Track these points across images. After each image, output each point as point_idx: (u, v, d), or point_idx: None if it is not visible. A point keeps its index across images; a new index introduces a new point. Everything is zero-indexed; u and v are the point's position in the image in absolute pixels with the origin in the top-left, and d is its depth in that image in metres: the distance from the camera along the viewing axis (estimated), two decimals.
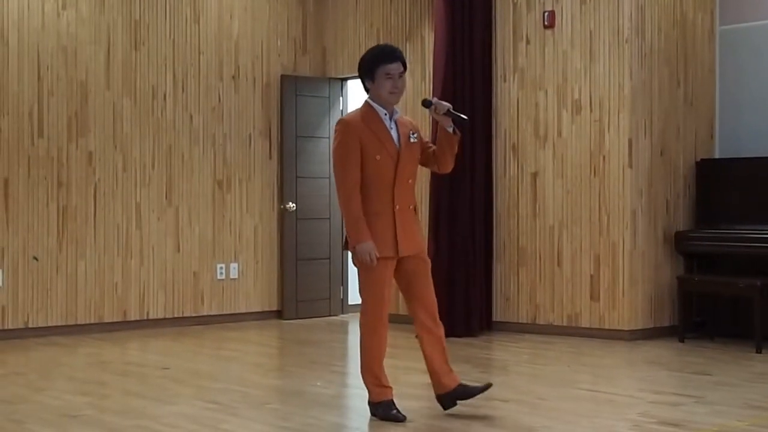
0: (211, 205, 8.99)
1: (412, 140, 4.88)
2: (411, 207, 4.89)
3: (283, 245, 9.33)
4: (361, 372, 4.92)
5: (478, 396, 4.97)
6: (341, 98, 9.66)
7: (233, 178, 9.12)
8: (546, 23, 8.02)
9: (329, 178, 9.53)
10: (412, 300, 4.95)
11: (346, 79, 9.65)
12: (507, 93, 8.27)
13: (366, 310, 4.87)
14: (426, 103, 4.86)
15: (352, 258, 4.85)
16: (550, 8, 8.01)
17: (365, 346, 4.87)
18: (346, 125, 4.83)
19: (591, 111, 7.76)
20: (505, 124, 8.29)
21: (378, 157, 4.77)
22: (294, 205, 9.33)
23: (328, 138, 9.55)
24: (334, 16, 9.63)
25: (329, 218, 9.55)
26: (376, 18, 9.24)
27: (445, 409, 4.99)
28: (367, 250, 4.74)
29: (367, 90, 4.88)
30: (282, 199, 9.35)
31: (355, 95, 9.75)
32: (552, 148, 7.98)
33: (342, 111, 9.64)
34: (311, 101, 9.46)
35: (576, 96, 7.84)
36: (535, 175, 8.09)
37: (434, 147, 5.00)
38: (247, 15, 9.28)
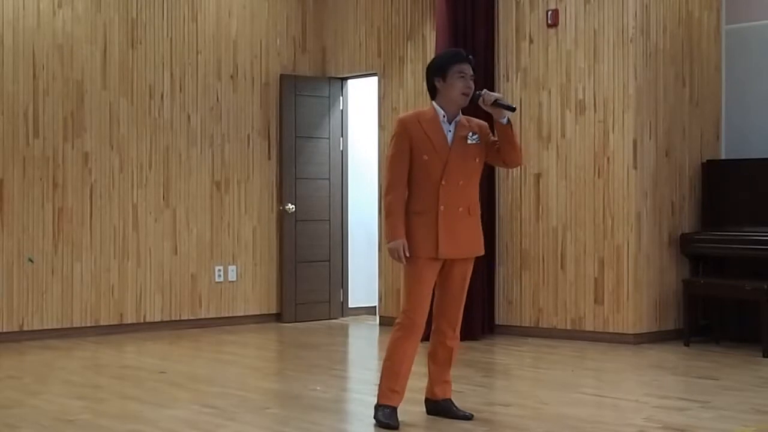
0: (209, 206, 9.00)
1: (470, 141, 4.88)
2: (461, 208, 4.87)
3: (282, 247, 9.34)
4: (382, 372, 4.92)
5: (460, 417, 4.99)
6: (341, 98, 9.66)
7: (231, 179, 9.13)
8: (549, 22, 8.02)
9: (329, 179, 9.54)
10: (440, 304, 4.97)
11: (346, 78, 9.65)
12: (510, 93, 8.27)
13: (404, 309, 4.89)
14: (475, 96, 4.88)
15: (390, 251, 4.86)
16: (553, 7, 8.01)
17: (393, 348, 4.87)
18: (400, 124, 4.92)
19: (595, 111, 7.76)
20: None
21: (425, 157, 4.81)
22: (293, 206, 9.33)
23: (328, 138, 9.56)
24: (334, 14, 9.63)
25: (329, 220, 9.55)
26: (376, 17, 9.24)
27: (427, 413, 5.06)
28: (395, 247, 4.78)
29: (433, 91, 4.91)
30: (281, 201, 9.35)
31: (356, 95, 9.76)
32: (555, 148, 7.99)
33: (342, 111, 9.65)
34: (311, 101, 9.47)
35: (580, 96, 7.84)
36: (538, 177, 8.09)
37: (498, 143, 5.00)
38: (245, 13, 9.29)
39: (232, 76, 9.16)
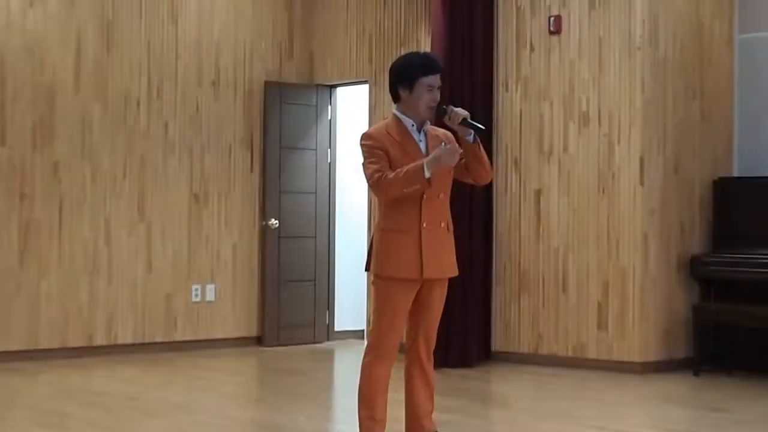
0: (186, 220, 8.95)
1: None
2: (442, 224, 4.83)
3: (265, 266, 9.29)
4: (357, 401, 4.87)
5: None
6: (329, 107, 9.64)
7: (211, 191, 9.09)
8: (552, 29, 8.02)
9: (315, 193, 9.52)
10: (415, 327, 4.91)
11: (335, 86, 9.63)
12: (509, 104, 8.26)
13: (375, 334, 4.82)
14: (440, 111, 4.82)
15: (441, 158, 4.59)
16: (556, 13, 8.01)
17: (365, 374, 4.82)
18: (369, 137, 4.83)
19: (600, 124, 7.75)
20: (507, 138, 8.27)
21: None
22: (277, 222, 9.29)
23: (315, 150, 9.53)
24: (323, 18, 9.62)
25: (315, 237, 9.51)
26: (368, 21, 9.23)
27: None
28: (438, 156, 4.57)
29: (396, 98, 4.86)
30: (264, 216, 9.31)
31: (345, 103, 9.74)
32: (557, 163, 7.97)
33: (330, 120, 9.62)
34: (297, 110, 9.45)
35: (584, 108, 7.83)
36: (538, 193, 8.07)
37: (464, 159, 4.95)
38: (228, 16, 9.27)
39: (213, 83, 9.13)
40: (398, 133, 4.78)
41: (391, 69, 4.89)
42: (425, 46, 8.63)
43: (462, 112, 4.74)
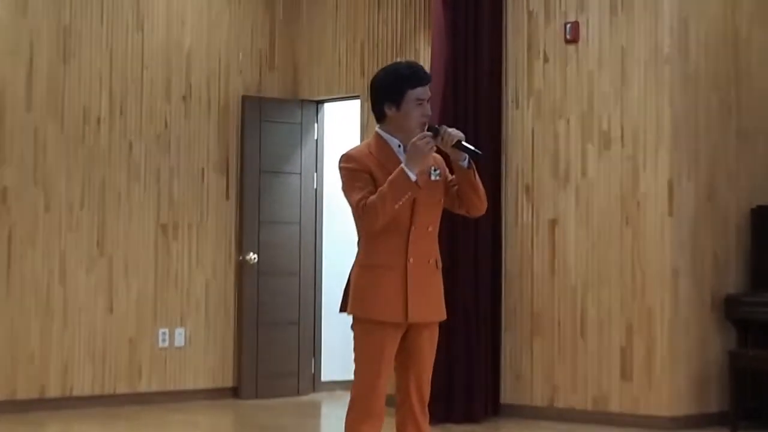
0: (152, 255, 8.98)
1: (433, 177, 4.80)
2: (430, 261, 4.81)
3: (242, 306, 9.31)
4: None
5: None
6: (316, 125, 9.69)
7: (181, 222, 9.13)
8: (568, 37, 8.07)
9: (300, 223, 9.54)
10: (405, 378, 4.89)
11: (322, 101, 9.68)
12: (520, 122, 8.30)
13: (357, 387, 4.83)
14: (433, 132, 4.85)
15: (415, 150, 4.63)
16: (573, 19, 8.07)
17: None
18: (350, 159, 4.81)
19: (623, 146, 7.79)
20: (517, 160, 8.31)
21: None
22: (256, 256, 9.32)
23: (300, 174, 9.57)
24: (309, 25, 9.68)
25: (299, 273, 9.54)
26: (360, 28, 9.29)
27: None
28: (414, 154, 4.60)
29: (380, 117, 4.88)
30: (241, 250, 9.35)
31: (333, 121, 9.79)
32: (575, 190, 8.01)
33: (317, 140, 9.67)
34: (279, 128, 9.49)
35: (604, 127, 7.88)
36: (553, 224, 8.10)
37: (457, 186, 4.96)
38: (202, 22, 9.33)
39: (184, 97, 9.19)
40: (383, 155, 4.77)
41: (372, 85, 4.88)
42: (425, 57, 8.68)
43: (456, 133, 4.73)
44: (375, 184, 4.71)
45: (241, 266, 9.34)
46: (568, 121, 8.07)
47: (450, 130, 4.74)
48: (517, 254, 8.27)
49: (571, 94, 8.06)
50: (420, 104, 4.78)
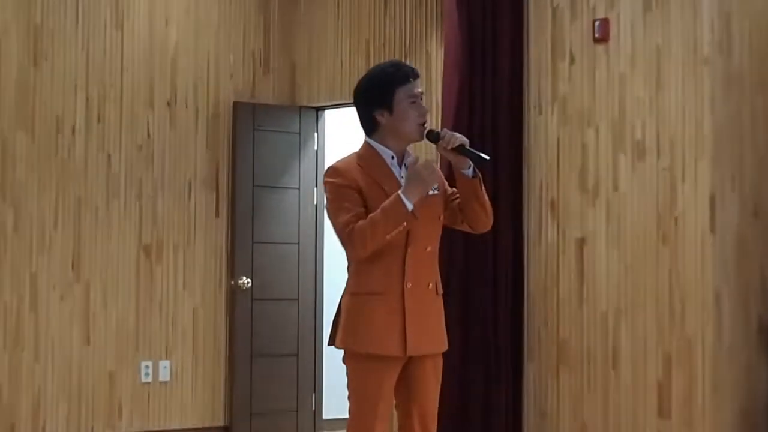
0: (134, 280, 8.98)
1: (430, 192, 4.83)
2: (430, 285, 4.82)
3: (234, 336, 9.31)
4: None
5: None
6: (316, 134, 9.70)
7: (166, 242, 9.13)
8: (597, 36, 8.07)
9: (298, 243, 9.54)
10: (408, 415, 4.88)
11: (323, 108, 9.69)
12: (543, 130, 8.29)
13: (353, 427, 4.82)
14: (432, 137, 4.83)
15: (416, 177, 4.67)
16: (602, 15, 8.05)
17: None
18: (336, 173, 4.82)
19: (658, 156, 7.78)
20: (541, 173, 8.30)
21: None
22: (249, 281, 9.32)
23: (298, 189, 9.57)
24: (308, 23, 9.69)
25: (297, 299, 9.54)
26: (364, 27, 9.30)
27: None
28: (413, 182, 4.62)
29: (371, 128, 4.86)
30: (233, 273, 9.35)
31: (335, 130, 9.79)
32: (605, 206, 7.99)
33: (317, 151, 9.67)
34: (275, 138, 9.50)
35: (638, 135, 7.87)
36: (581, 243, 8.09)
37: (459, 199, 4.96)
38: (188, 20, 9.34)
39: (168, 104, 9.20)
40: (374, 168, 4.78)
41: (356, 94, 4.88)
42: (437, 59, 8.69)
43: (460, 137, 4.74)
44: (364, 202, 4.72)
45: (233, 292, 9.34)
46: (597, 130, 8.06)
47: (452, 133, 4.73)
48: (541, 277, 8.25)
49: (601, 99, 8.05)
50: (414, 102, 4.78)
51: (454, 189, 4.90)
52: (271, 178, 9.48)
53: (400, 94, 4.78)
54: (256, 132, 9.44)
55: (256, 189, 9.42)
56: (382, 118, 4.79)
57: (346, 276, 10.02)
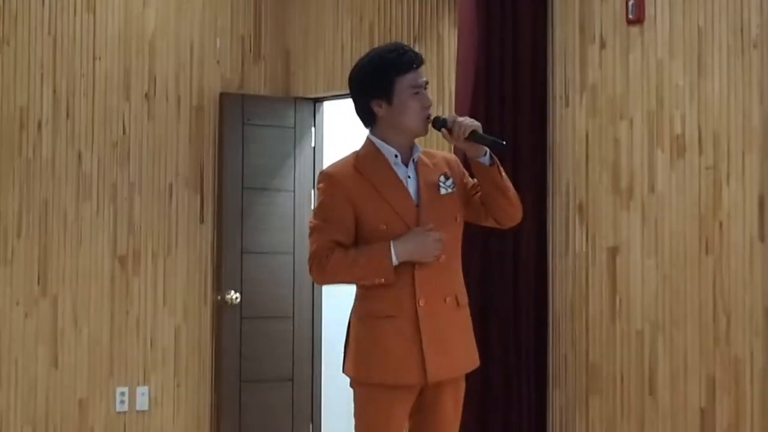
0: (108, 294, 8.98)
1: (443, 190, 4.85)
2: (448, 299, 4.83)
3: (220, 358, 9.31)
4: None
5: None
6: (313, 129, 9.71)
7: (144, 251, 9.14)
8: (631, 17, 8.07)
9: (293, 253, 9.55)
10: None
11: (320, 99, 9.70)
12: (570, 124, 8.29)
13: None
14: (438, 124, 4.82)
15: (416, 241, 4.71)
16: None
17: None
18: (327, 178, 4.84)
19: (700, 153, 7.77)
20: (568, 172, 8.30)
21: (383, 227, 4.77)
22: (238, 295, 9.32)
23: (293, 191, 9.58)
24: (304, 3, 9.70)
25: (292, 317, 9.55)
26: (368, 7, 9.31)
27: None
28: (410, 242, 4.68)
29: (369, 120, 4.86)
30: (219, 287, 9.35)
31: (334, 124, 9.79)
32: (640, 209, 7.98)
33: (314, 148, 9.68)
34: (267, 133, 9.51)
35: (677, 129, 7.86)
36: (614, 252, 8.08)
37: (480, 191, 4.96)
38: (169, 2, 9.37)
39: (146, 95, 9.21)
40: (373, 170, 4.80)
41: (351, 81, 4.92)
42: (449, 44, 8.69)
43: (471, 122, 4.73)
44: (355, 215, 4.75)
45: (220, 308, 9.35)
46: (631, 122, 8.06)
47: (461, 119, 4.72)
48: (568, 290, 8.25)
49: (635, 88, 8.05)
50: (416, 93, 4.78)
51: (475, 182, 4.89)
52: (262, 178, 9.50)
53: (401, 84, 4.80)
54: (246, 126, 9.45)
55: (246, 191, 9.44)
56: (379, 109, 4.82)
57: (347, 291, 9.99)
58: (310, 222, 4.86)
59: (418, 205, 4.81)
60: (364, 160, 4.85)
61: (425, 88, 4.84)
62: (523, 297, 8.15)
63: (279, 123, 9.58)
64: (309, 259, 4.84)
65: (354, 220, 4.78)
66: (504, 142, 4.79)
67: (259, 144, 9.50)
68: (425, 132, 4.86)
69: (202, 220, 9.40)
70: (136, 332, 9.09)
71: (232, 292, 9.33)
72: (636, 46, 8.07)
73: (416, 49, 4.93)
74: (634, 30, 8.09)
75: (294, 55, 9.77)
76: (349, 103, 9.50)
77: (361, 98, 4.87)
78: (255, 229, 9.46)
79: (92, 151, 8.98)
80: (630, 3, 8.07)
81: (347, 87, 9.30)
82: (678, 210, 7.86)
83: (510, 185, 4.85)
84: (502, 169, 4.82)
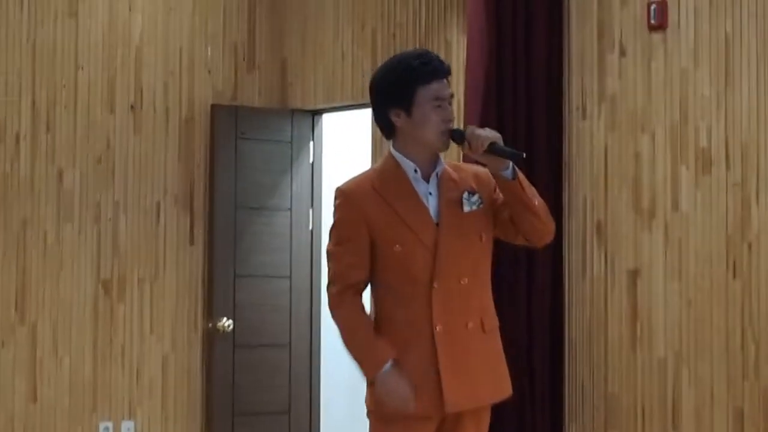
0: (91, 322, 9.00)
1: (467, 207, 4.87)
2: (470, 324, 4.85)
3: (212, 390, 9.33)
4: None
5: None
6: (311, 143, 9.75)
7: (129, 276, 9.17)
8: (653, 22, 8.08)
9: (290, 276, 9.55)
10: None
11: (319, 111, 9.74)
12: (588, 137, 8.31)
13: None
14: (456, 137, 4.84)
15: (388, 391, 4.78)
16: None
17: None
18: (342, 196, 4.88)
19: (728, 168, 7.78)
20: (585, 189, 8.32)
21: (398, 248, 4.80)
22: (231, 322, 9.36)
23: (289, 210, 9.58)
24: (302, 8, 9.73)
25: (289, 345, 9.57)
26: (370, 13, 9.34)
27: None
28: (386, 385, 4.74)
29: (388, 131, 4.91)
30: (211, 313, 9.39)
31: (334, 138, 9.80)
32: (663, 229, 8.00)
33: (313, 164, 9.70)
34: (262, 148, 9.54)
35: (703, 143, 7.87)
36: (634, 276, 8.10)
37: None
38: (156, 6, 9.39)
39: (132, 107, 9.25)
40: (391, 187, 4.83)
41: (371, 87, 4.91)
42: (458, 51, 8.70)
43: (489, 133, 4.76)
44: (371, 236, 4.79)
45: (211, 336, 9.38)
46: (653, 136, 8.07)
47: (479, 131, 4.74)
48: (586, 317, 8.26)
49: (658, 98, 8.05)
50: (438, 105, 4.80)
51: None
52: (256, 197, 9.53)
53: (424, 94, 4.81)
54: (239, 141, 9.47)
55: (239, 210, 9.46)
56: (398, 119, 4.83)
57: None
58: (327, 245, 4.92)
59: (437, 224, 4.83)
60: (382, 176, 4.87)
61: (450, 102, 4.88)
62: (537, 323, 8.16)
63: (275, 137, 9.59)
64: (328, 297, 4.92)
65: (369, 241, 4.80)
66: (522, 154, 4.83)
67: (254, 159, 9.51)
68: (445, 147, 4.87)
69: (192, 242, 9.43)
70: (121, 362, 9.09)
71: (225, 318, 9.35)
72: (658, 54, 8.09)
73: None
74: (657, 37, 8.10)
75: (291, 64, 9.79)
76: (349, 115, 9.63)
77: (380, 106, 4.89)
78: (249, 251, 9.47)
79: (74, 168, 8.99)
80: (652, 8, 8.07)
81: (349, 99, 9.46)
82: (703, 230, 7.86)
83: (538, 201, 4.87)
84: (527, 183, 4.84)
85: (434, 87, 4.81)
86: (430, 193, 4.86)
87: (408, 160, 4.85)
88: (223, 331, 9.33)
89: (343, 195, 4.86)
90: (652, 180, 8.06)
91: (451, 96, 4.88)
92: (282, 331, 9.55)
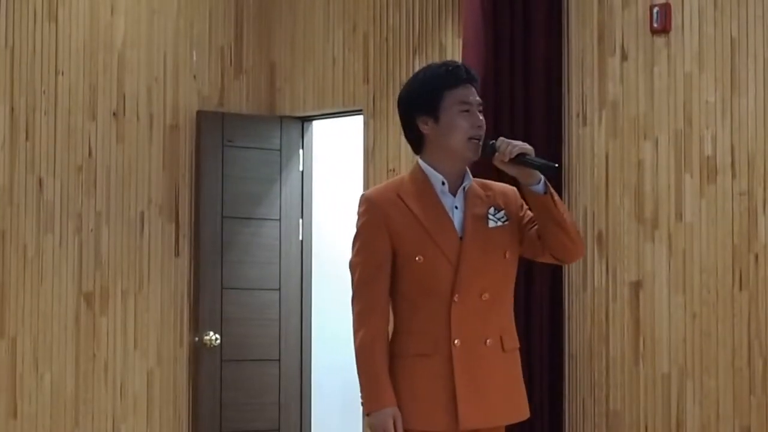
0: (72, 336, 8.97)
1: (492, 223, 4.90)
2: (489, 341, 4.86)
3: (198, 407, 9.31)
4: None
5: None
6: (301, 151, 9.72)
7: (113, 288, 9.13)
8: (656, 25, 8.08)
9: (279, 289, 9.54)
10: None
11: (309, 118, 9.72)
12: (588, 144, 8.30)
13: None
14: (488, 150, 4.84)
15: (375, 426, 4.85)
16: (662, 0, 8.08)
17: None
18: (367, 203, 4.91)
19: (734, 177, 7.77)
20: (585, 198, 8.31)
21: (419, 259, 4.82)
22: (218, 336, 9.32)
23: (278, 220, 9.58)
24: (291, 11, 9.72)
25: (278, 360, 9.55)
26: (362, 15, 9.32)
27: None
28: (381, 423, 4.77)
29: (418, 142, 4.91)
30: (197, 327, 9.36)
31: (325, 146, 9.79)
32: (666, 240, 7.99)
33: (303, 172, 9.68)
34: (250, 156, 9.52)
35: (707, 151, 7.86)
36: (636, 288, 8.08)
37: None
38: (140, 8, 9.36)
39: (115, 114, 9.21)
40: (417, 198, 4.84)
41: (399, 99, 4.97)
42: (453, 55, 8.67)
43: (519, 145, 4.76)
44: (395, 247, 4.81)
45: (197, 350, 9.36)
46: (656, 143, 8.06)
47: (510, 141, 4.75)
48: (587, 330, 8.25)
49: (661, 104, 8.05)
50: (466, 110, 4.82)
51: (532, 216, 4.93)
52: (244, 206, 9.51)
53: (450, 98, 4.84)
54: (226, 148, 9.45)
55: (226, 220, 9.44)
56: (426, 127, 4.87)
57: (339, 331, 10.03)
58: (351, 259, 4.94)
59: (461, 238, 4.84)
60: (408, 186, 4.90)
61: (479, 109, 4.88)
62: (536, 338, 8.16)
63: (263, 144, 9.58)
64: (354, 319, 4.94)
65: (390, 250, 4.83)
66: (556, 165, 4.86)
67: (241, 168, 9.49)
68: (475, 156, 4.87)
69: (177, 253, 9.40)
70: (104, 378, 9.07)
71: (211, 333, 9.33)
72: (661, 58, 8.09)
73: (413, 64, 4.94)
74: (660, 40, 8.10)
75: (280, 69, 9.78)
76: (341, 122, 9.61)
77: (408, 115, 4.91)
78: (236, 262, 9.45)
79: (54, 177, 8.96)
80: (655, 10, 8.08)
81: (340, 105, 9.46)
82: (708, 241, 7.86)
83: (568, 218, 4.87)
84: (558, 198, 4.84)
85: (461, 91, 4.87)
86: (456, 207, 4.90)
87: (436, 172, 4.90)
88: (210, 345, 9.31)
89: (367, 201, 4.91)
90: (655, 189, 8.06)
91: (480, 104, 4.87)
92: (271, 346, 9.53)
